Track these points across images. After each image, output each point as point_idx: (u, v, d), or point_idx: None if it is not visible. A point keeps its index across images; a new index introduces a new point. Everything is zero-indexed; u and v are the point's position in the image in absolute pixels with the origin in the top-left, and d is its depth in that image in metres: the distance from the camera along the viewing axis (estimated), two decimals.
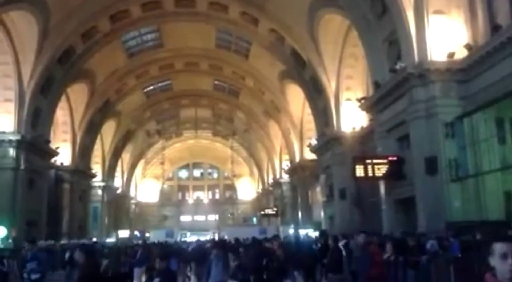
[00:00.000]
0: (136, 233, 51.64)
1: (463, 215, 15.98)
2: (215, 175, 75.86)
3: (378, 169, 19.72)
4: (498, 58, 15.23)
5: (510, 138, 16.45)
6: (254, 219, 53.68)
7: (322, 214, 34.34)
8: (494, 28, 15.93)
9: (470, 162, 16.19)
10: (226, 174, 72.94)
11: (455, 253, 11.79)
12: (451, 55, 17.40)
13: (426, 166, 17.17)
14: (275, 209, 47.29)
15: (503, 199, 16.12)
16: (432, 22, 17.81)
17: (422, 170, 17.40)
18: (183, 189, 75.21)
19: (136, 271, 14.29)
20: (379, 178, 20.33)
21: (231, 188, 73.86)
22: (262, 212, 49.19)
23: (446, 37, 17.68)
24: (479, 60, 16.28)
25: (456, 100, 17.35)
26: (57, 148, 33.81)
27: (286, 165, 44.92)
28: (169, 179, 74.11)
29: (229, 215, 70.42)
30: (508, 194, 16.22)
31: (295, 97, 37.58)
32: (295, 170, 42.23)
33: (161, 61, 39.94)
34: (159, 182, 71.56)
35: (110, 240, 42.60)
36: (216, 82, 45.05)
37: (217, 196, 74.98)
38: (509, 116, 16.43)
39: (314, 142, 34.14)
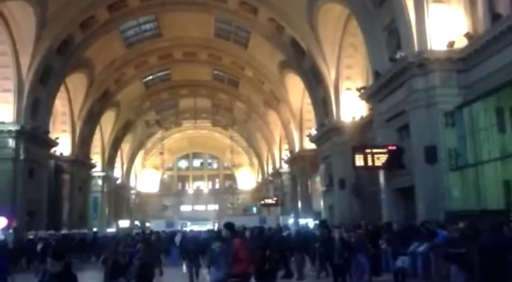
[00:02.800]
0: (137, 223, 51.81)
1: (462, 204, 16.02)
2: (214, 165, 75.95)
3: (378, 158, 19.75)
4: (498, 47, 15.17)
5: (510, 128, 16.43)
6: (254, 209, 53.85)
7: (321, 203, 34.44)
8: (494, 17, 15.83)
9: (469, 151, 16.19)
10: (225, 164, 73.04)
11: (433, 243, 11.85)
12: (451, 44, 17.33)
13: (425, 155, 17.18)
14: (275, 198, 47.42)
15: (502, 188, 16.15)
16: (432, 11, 17.71)
17: (421, 159, 17.42)
18: (183, 179, 75.34)
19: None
20: (378, 167, 20.36)
21: (231, 177, 74.00)
22: (262, 202, 49.32)
23: (446, 26, 17.60)
24: (479, 49, 16.21)
25: (456, 89, 17.31)
26: (57, 138, 33.79)
27: (286, 154, 44.95)
28: (169, 169, 74.21)
29: (229, 205, 70.62)
30: (507, 183, 16.25)
31: (295, 87, 37.48)
32: (294, 159, 42.27)
33: (159, 51, 39.77)
34: (159, 172, 71.67)
35: (110, 230, 42.73)
36: (215, 72, 44.91)
37: (217, 186, 75.14)
38: (509, 105, 16.40)
39: (313, 131, 34.15)
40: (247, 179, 71.40)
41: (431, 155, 16.96)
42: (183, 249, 17.82)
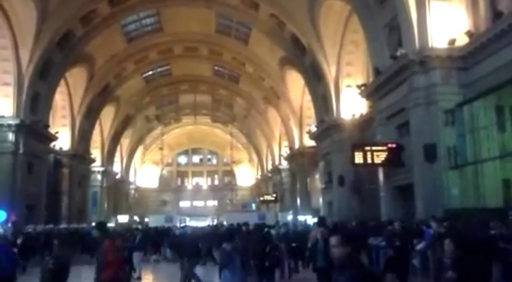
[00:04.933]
0: (136, 218, 51.85)
1: (461, 202, 16.03)
2: (214, 161, 75.96)
3: (377, 156, 19.73)
4: (499, 45, 15.14)
5: (510, 126, 16.43)
6: (253, 205, 53.88)
7: (320, 200, 34.45)
8: (496, 15, 15.79)
9: (469, 150, 16.19)
10: (225, 160, 73.06)
11: (428, 241, 11.88)
12: (452, 42, 17.30)
13: (425, 153, 17.17)
14: (274, 195, 47.45)
15: (501, 186, 16.16)
16: (433, 9, 17.67)
17: (421, 157, 17.41)
18: (182, 174, 75.37)
19: (136, 256, 14.36)
20: (378, 165, 20.35)
21: (230, 174, 74.03)
22: (261, 198, 49.36)
23: (447, 24, 17.56)
24: (480, 48, 16.18)
25: (456, 87, 17.29)
26: (56, 132, 33.76)
27: (285, 151, 44.95)
28: (168, 165, 74.22)
29: (228, 201, 70.67)
30: (507, 182, 16.26)
31: (295, 84, 37.45)
32: (294, 156, 42.27)
33: (160, 46, 39.70)
34: (158, 168, 71.66)
35: (110, 224, 42.74)
36: (216, 67, 44.85)
37: (216, 182, 75.18)
38: (509, 104, 16.40)
39: (313, 128, 34.11)
40: (246, 175, 71.43)
41: (430, 153, 16.95)
42: (179, 246, 15.45)
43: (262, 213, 38.36)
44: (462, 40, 17.13)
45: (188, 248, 13.24)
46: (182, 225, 29.97)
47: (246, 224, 14.04)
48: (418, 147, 17.61)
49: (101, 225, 8.19)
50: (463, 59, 17.09)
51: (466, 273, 5.36)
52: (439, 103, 17.25)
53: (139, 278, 14.64)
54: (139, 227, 32.91)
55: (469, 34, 16.96)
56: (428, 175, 17.22)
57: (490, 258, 5.88)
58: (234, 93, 49.01)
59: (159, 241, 22.77)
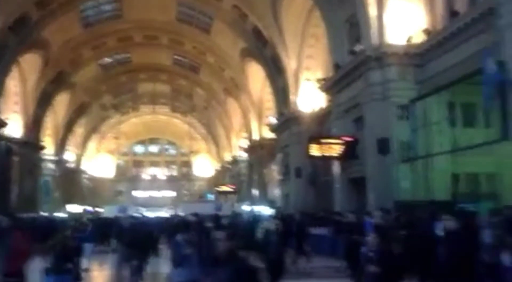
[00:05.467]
0: (88, 208, 50.67)
1: (412, 194, 16.54)
2: (172, 151, 75.13)
3: (333, 148, 20.15)
4: (454, 43, 15.63)
5: (460, 122, 17.06)
6: (211, 196, 53.79)
7: (277, 192, 34.77)
8: (452, 14, 16.32)
9: (421, 144, 16.70)
10: (183, 151, 72.43)
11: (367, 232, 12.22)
12: (409, 39, 17.75)
13: (378, 146, 17.61)
14: (231, 186, 47.50)
15: (450, 180, 16.77)
16: (392, 6, 18.06)
17: (374, 150, 17.85)
18: (139, 164, 74.16)
19: (86, 246, 14.01)
20: (333, 157, 20.77)
21: (188, 164, 73.49)
22: (219, 189, 49.34)
23: (405, 21, 17.98)
24: (436, 45, 16.67)
25: (411, 83, 17.77)
26: (6, 118, 32.47)
27: (244, 143, 45.04)
28: (125, 154, 72.82)
29: (185, 192, 70.19)
30: (456, 176, 16.89)
31: (256, 76, 37.48)
32: (253, 148, 42.42)
33: (119, 33, 38.79)
34: (114, 157, 70.25)
35: (60, 214, 41.60)
36: (176, 57, 44.26)
37: (174, 172, 74.48)
38: (461, 100, 16.99)
39: (272, 120, 34.32)
40: (205, 166, 71.09)
41: (383, 146, 17.40)
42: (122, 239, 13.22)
43: (218, 203, 38.39)
44: (420, 38, 17.59)
45: (134, 239, 11.87)
46: (133, 215, 29.46)
47: (196, 214, 13.74)
48: (372, 140, 18.04)
49: (12, 214, 7.75)
50: (419, 56, 17.57)
51: (389, 268, 5.24)
52: (393, 99, 17.69)
53: (88, 269, 14.31)
54: (90, 217, 32.08)
55: (427, 32, 17.44)
56: (380, 168, 17.68)
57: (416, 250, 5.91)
58: (194, 84, 48.57)
59: (107, 232, 22.19)
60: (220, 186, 49.86)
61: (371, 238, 5.74)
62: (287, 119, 30.59)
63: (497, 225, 8.80)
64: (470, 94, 14.94)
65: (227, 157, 54.75)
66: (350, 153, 20.02)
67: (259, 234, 10.56)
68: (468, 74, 13.97)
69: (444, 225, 6.32)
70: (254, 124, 41.81)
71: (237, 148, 49.09)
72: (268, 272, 9.63)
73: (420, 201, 15.32)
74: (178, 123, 63.88)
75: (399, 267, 5.36)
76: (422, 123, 16.69)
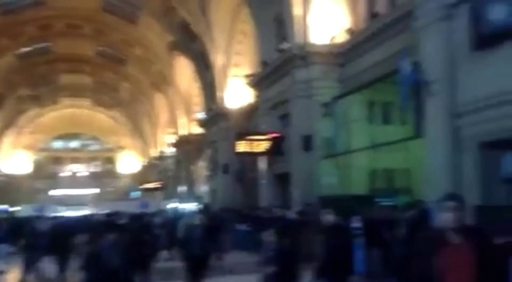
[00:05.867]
0: (2, 207, 47.50)
1: (334, 190, 17.06)
2: (95, 147, 72.36)
3: (260, 145, 20.38)
4: (374, 43, 16.21)
5: (379, 120, 17.83)
6: (136, 193, 52.45)
7: (205, 188, 34.57)
8: (373, 15, 16.97)
9: (342, 141, 17.26)
10: (107, 146, 70.01)
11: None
12: (333, 38, 18.25)
13: (302, 143, 18.00)
14: (158, 182, 46.63)
15: (369, 175, 17.51)
16: (316, 6, 18.45)
17: (298, 147, 18.22)
18: (59, 161, 70.66)
19: (1, 247, 13.13)
20: (260, 153, 20.99)
21: (113, 160, 71.17)
22: (145, 186, 48.26)
23: (329, 21, 18.46)
24: (357, 45, 17.25)
25: (334, 82, 18.26)
26: None
27: (172, 138, 44.35)
28: (43, 150, 69.07)
29: (109, 189, 67.93)
30: (374, 171, 17.67)
31: (184, 70, 37.00)
32: (180, 143, 41.88)
33: (40, 21, 36.74)
34: (31, 153, 66.42)
35: None
36: (101, 48, 42.65)
37: (97, 169, 71.79)
38: (380, 99, 17.75)
39: (200, 116, 34.06)
40: (130, 162, 69.20)
41: (307, 143, 17.81)
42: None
43: (145, 201, 37.54)
44: (342, 37, 18.13)
45: (51, 241, 11.21)
46: (49, 214, 28.00)
47: (116, 213, 13.22)
48: (297, 137, 18.40)
49: None
50: (342, 56, 18.09)
51: (287, 268, 4.98)
52: (317, 97, 18.12)
53: (3, 272, 13.41)
54: (4, 217, 30.16)
55: (349, 31, 17.99)
56: (304, 164, 18.09)
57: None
58: (120, 77, 47.12)
59: (19, 233, 20.83)
60: (147, 183, 48.80)
61: (267, 235, 5.31)
62: (215, 115, 30.48)
63: (411, 217, 9.29)
64: (389, 93, 15.62)
65: (154, 153, 53.65)
66: (277, 149, 20.33)
67: (181, 230, 10.32)
68: (386, 74, 14.59)
69: (324, 220, 6.31)
70: (182, 120, 41.28)
71: (164, 143, 48.23)
72: (188, 268, 9.48)
73: (341, 195, 15.83)
74: (102, 117, 61.64)
75: (295, 265, 5.25)
76: (343, 120, 17.25)
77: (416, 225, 8.80)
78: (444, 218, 3.07)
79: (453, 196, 3.25)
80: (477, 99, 10.54)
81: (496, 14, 9.92)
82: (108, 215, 14.59)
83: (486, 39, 10.35)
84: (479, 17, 10.26)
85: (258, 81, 23.10)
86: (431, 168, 11.87)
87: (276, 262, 5.13)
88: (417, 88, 12.14)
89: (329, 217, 6.09)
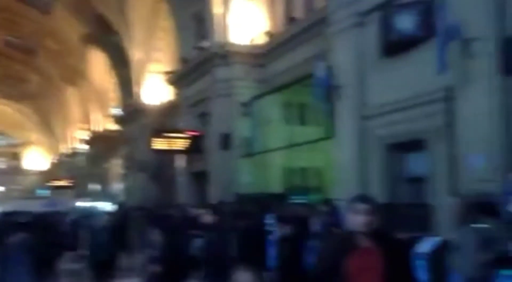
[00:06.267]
0: None
1: (251, 188, 17.35)
2: (0, 142, 67.59)
3: (178, 142, 20.21)
4: (292, 46, 16.72)
5: (295, 120, 18.40)
6: (44, 191, 49.68)
7: (120, 186, 33.61)
8: (290, 19, 17.48)
9: (260, 140, 17.60)
10: (13, 141, 65.67)
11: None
12: (252, 40, 18.56)
13: (221, 142, 18.13)
14: (69, 180, 44.57)
15: (284, 173, 18.02)
16: (237, 6, 18.67)
17: (217, 145, 18.33)
18: None
19: None
20: (178, 151, 20.82)
21: (20, 156, 66.91)
22: (55, 184, 45.90)
23: (249, 22, 18.75)
24: (276, 47, 17.68)
25: (254, 82, 18.55)
26: None
27: (85, 134, 42.56)
28: None
29: (16, 187, 63.73)
30: (289, 170, 18.21)
31: (99, 64, 35.67)
32: (94, 140, 40.33)
33: None
34: None
35: None
36: (8, 38, 39.86)
37: (2, 165, 67.13)
38: (296, 101, 18.30)
39: (116, 112, 33.05)
40: (38, 159, 65.48)
41: (226, 141, 17.98)
42: None
43: (53, 199, 35.70)
44: (262, 39, 18.48)
45: None
46: None
47: (16, 212, 12.27)
48: (216, 135, 18.50)
49: None
50: (262, 57, 18.43)
51: (172, 268, 4.81)
52: (237, 96, 18.34)
53: None
54: None
55: (269, 34, 18.37)
56: (223, 163, 18.23)
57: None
58: (30, 68, 44.35)
59: None
60: (56, 181, 46.43)
61: (154, 234, 5.11)
62: (133, 111, 29.73)
63: (326, 215, 9.69)
64: (305, 95, 16.12)
65: (65, 149, 51.17)
66: (195, 147, 20.29)
67: (87, 231, 9.83)
68: (303, 76, 15.10)
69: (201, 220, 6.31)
70: (96, 115, 39.75)
71: (76, 139, 46.15)
72: (94, 270, 9.12)
73: (258, 194, 16.13)
74: (8, 111, 57.67)
75: (184, 266, 5.01)
76: (261, 120, 17.60)
77: (328, 223, 9.21)
78: (354, 220, 2.94)
79: (364, 198, 3.11)
80: (384, 103, 11.25)
81: (404, 23, 10.64)
82: (6, 214, 13.58)
83: (394, 46, 11.08)
84: (388, 25, 10.93)
85: (177, 79, 22.89)
86: (341, 167, 12.47)
87: (160, 262, 4.87)
88: (330, 91, 12.69)
89: (207, 217, 6.01)
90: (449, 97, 9.79)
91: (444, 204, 9.41)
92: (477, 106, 9.05)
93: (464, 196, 8.63)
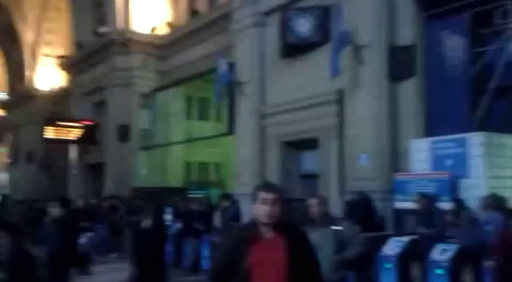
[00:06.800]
0: None
1: (150, 181, 17.05)
2: None
3: (71, 132, 19.25)
4: (194, 40, 16.54)
5: (196, 115, 18.34)
6: None
7: (5, 177, 31.20)
8: (193, 12, 17.29)
9: (159, 133, 17.32)
10: None
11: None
12: (153, 29, 18.10)
13: (118, 133, 17.56)
14: None
15: (184, 168, 17.93)
16: None
17: (114, 137, 17.71)
18: None
19: None
20: (71, 141, 19.81)
21: None
22: None
23: (151, 11, 18.24)
24: (178, 40, 17.41)
25: (154, 73, 18.15)
26: None
27: None
28: None
29: None
30: (188, 164, 18.16)
31: None
32: None
33: None
34: None
35: None
36: None
37: None
38: (197, 95, 18.24)
39: (2, 96, 30.56)
40: None
41: (124, 133, 17.44)
42: None
43: None
44: (164, 30, 18.08)
45: None
46: None
47: None
48: (113, 126, 17.86)
49: None
50: (163, 48, 18.05)
51: (21, 272, 4.13)
52: (136, 86, 17.84)
53: None
54: None
55: (170, 25, 18.02)
56: (120, 155, 17.67)
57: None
58: None
59: None
60: None
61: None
62: (20, 96, 27.63)
63: (225, 210, 9.79)
64: (206, 90, 16.14)
65: None
66: (90, 138, 19.43)
67: None
68: (204, 71, 15.10)
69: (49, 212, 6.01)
70: None
71: None
72: None
73: (156, 187, 15.89)
74: None
75: (33, 270, 4.30)
76: (161, 113, 17.31)
77: (231, 216, 9.37)
78: (258, 210, 2.71)
79: (270, 186, 2.81)
80: (281, 102, 11.64)
81: (301, 27, 11.06)
82: None
83: (292, 48, 11.49)
84: (287, 28, 11.29)
85: (72, 64, 21.71)
86: (239, 163, 12.70)
87: (7, 268, 4.11)
88: (231, 88, 12.84)
89: (54, 210, 5.70)
90: (341, 99, 10.40)
91: (334, 200, 10.03)
92: (365, 109, 9.73)
93: (348, 194, 9.29)
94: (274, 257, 2.69)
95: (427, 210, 7.22)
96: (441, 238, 6.65)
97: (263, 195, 2.72)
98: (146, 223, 6.02)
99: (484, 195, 6.99)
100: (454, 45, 8.77)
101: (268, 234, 2.73)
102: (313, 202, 4.34)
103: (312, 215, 4.34)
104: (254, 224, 2.77)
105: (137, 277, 5.84)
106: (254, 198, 2.74)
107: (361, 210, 8.32)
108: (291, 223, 2.89)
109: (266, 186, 2.83)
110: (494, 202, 6.65)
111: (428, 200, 7.30)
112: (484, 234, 6.26)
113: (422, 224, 7.17)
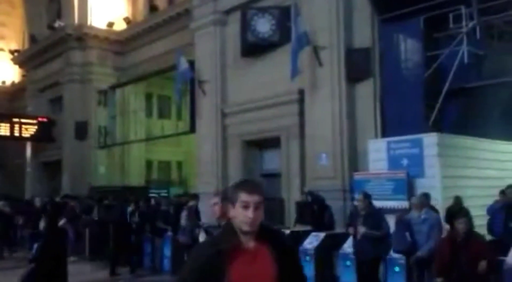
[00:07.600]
0: None
1: (108, 180, 16.74)
2: None
3: (26, 129, 18.63)
4: (153, 37, 16.29)
5: (156, 112, 18.09)
6: None
7: None
8: (152, 8, 16.98)
9: (118, 131, 16.99)
10: None
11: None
12: (110, 24, 17.68)
13: (76, 130, 17.14)
14: None
15: (145, 166, 17.67)
16: None
17: (71, 134, 17.28)
18: None
19: None
20: (26, 139, 19.22)
21: None
22: None
23: (109, 6, 17.81)
24: (136, 36, 17.09)
25: (112, 70, 17.78)
26: None
27: None
28: None
29: None
30: (150, 163, 17.90)
31: None
32: None
33: None
34: None
35: None
36: None
37: None
38: (157, 92, 17.99)
39: None
40: None
41: (81, 130, 17.03)
42: None
43: None
44: (121, 26, 17.68)
45: None
46: None
47: None
48: (71, 123, 17.41)
49: None
50: (121, 44, 17.70)
51: None
52: (93, 83, 17.45)
53: None
54: None
55: (127, 20, 17.63)
56: (77, 152, 17.25)
57: None
58: None
59: None
60: None
61: None
62: None
63: (190, 209, 9.70)
64: (166, 88, 15.97)
65: None
66: (46, 135, 18.89)
67: None
68: (163, 68, 14.90)
69: None
70: None
71: None
72: None
73: (115, 186, 15.63)
74: None
75: None
76: (120, 110, 16.99)
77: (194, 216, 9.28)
78: (239, 216, 2.18)
79: (253, 187, 2.23)
80: (242, 101, 11.66)
81: (261, 26, 11.08)
82: None
83: (253, 48, 11.49)
84: (248, 27, 11.27)
85: (25, 59, 20.98)
86: (201, 162, 12.65)
87: None
88: (192, 86, 12.74)
89: (5, 209, 5.71)
90: (301, 99, 10.50)
91: (294, 198, 10.16)
92: (324, 110, 9.87)
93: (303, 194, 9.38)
94: (261, 271, 2.21)
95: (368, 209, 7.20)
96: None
97: (245, 197, 2.18)
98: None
99: (416, 194, 7.07)
100: (409, 48, 9.00)
101: (249, 243, 2.22)
102: (215, 200, 3.52)
103: (215, 215, 3.56)
104: (231, 232, 2.22)
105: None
106: (232, 200, 2.22)
107: (313, 210, 8.45)
108: (272, 228, 2.41)
109: (248, 186, 2.24)
110: (427, 200, 6.73)
111: (368, 199, 7.17)
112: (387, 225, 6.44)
113: (365, 223, 7.04)
